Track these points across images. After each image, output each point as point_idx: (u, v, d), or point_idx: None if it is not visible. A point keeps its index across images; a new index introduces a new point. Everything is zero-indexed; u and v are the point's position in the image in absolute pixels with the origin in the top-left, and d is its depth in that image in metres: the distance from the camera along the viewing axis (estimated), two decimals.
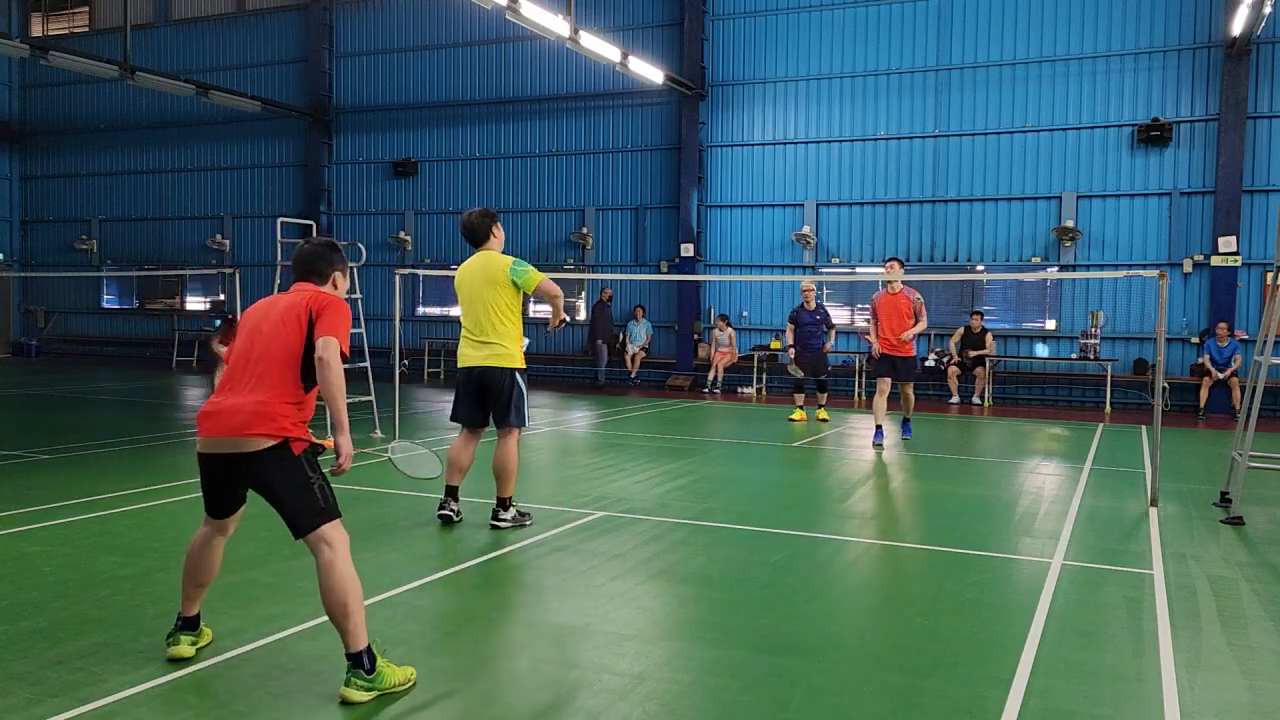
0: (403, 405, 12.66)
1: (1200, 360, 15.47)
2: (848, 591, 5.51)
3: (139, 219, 25.67)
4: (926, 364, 16.48)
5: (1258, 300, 15.68)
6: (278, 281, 11.70)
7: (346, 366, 3.94)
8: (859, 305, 18.45)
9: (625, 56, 16.16)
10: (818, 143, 18.49)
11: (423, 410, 14.46)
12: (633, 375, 19.52)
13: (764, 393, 18.13)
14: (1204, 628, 4.80)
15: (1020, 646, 4.43)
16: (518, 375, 6.58)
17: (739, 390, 18.32)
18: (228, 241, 24.27)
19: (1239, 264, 15.58)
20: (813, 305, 13.81)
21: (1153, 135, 16.01)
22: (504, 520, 6.61)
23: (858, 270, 18.12)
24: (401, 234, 22.13)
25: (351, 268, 9.40)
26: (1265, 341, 7.28)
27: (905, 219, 17.92)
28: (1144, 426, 13.45)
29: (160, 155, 25.40)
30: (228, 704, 3.66)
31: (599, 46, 15.44)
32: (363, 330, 11.68)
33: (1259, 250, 15.73)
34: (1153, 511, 7.59)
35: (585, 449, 10.96)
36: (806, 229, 18.35)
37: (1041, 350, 17.23)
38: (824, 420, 13.62)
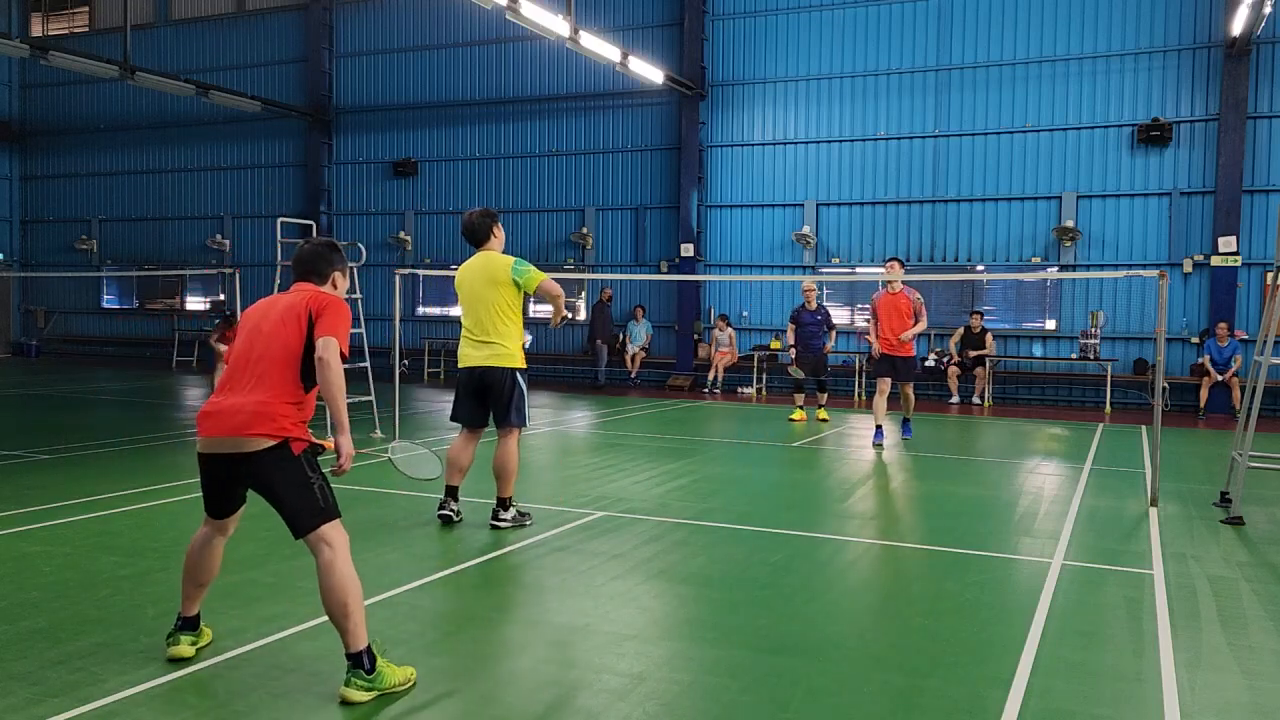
0: (403, 405, 12.66)
1: (1200, 360, 15.47)
2: (848, 591, 5.51)
3: (139, 219, 25.68)
4: (926, 364, 16.48)
5: (1258, 300, 15.68)
6: (278, 281, 11.70)
7: (346, 366, 3.94)
8: (859, 305, 18.45)
9: (625, 56, 16.17)
10: (818, 143, 18.49)
11: (423, 410, 14.46)
12: (633, 375, 19.52)
13: (764, 393, 18.13)
14: (1204, 628, 4.80)
15: (1020, 646, 4.43)
16: (518, 375, 6.58)
17: (739, 390, 18.33)
18: (228, 241, 24.27)
19: (1239, 264, 15.58)
20: (814, 305, 13.82)
21: (1153, 135, 16.01)
22: (504, 520, 6.61)
23: (858, 270, 18.12)
24: (401, 234, 22.13)
25: (351, 268, 9.41)
26: (1265, 341, 7.28)
27: (905, 219, 17.92)
28: (1144, 426, 13.46)
29: (160, 155, 25.41)
30: (228, 704, 3.66)
31: (599, 46, 15.44)
32: (363, 330, 11.68)
33: (1259, 250, 15.73)
34: (1153, 511, 7.59)
35: (585, 449, 10.96)
36: (806, 229, 18.35)
37: (1041, 350, 17.23)
38: (824, 420, 13.62)
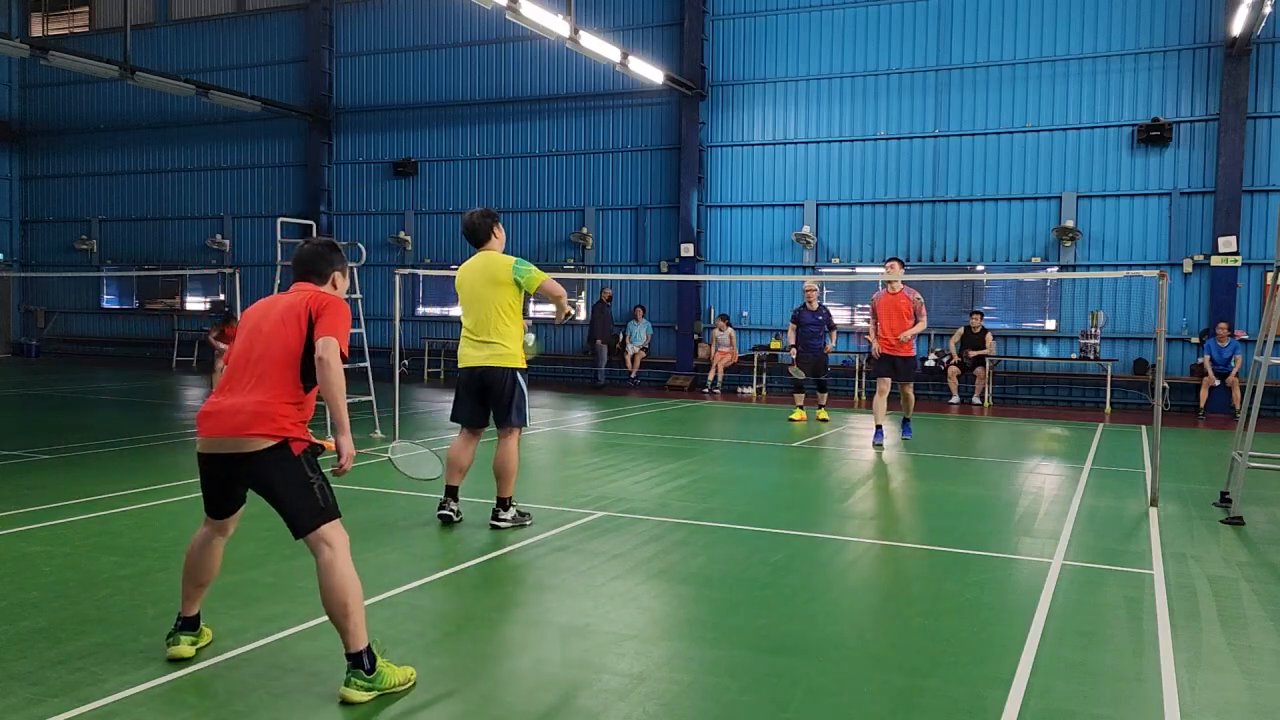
0: (403, 405, 12.66)
1: (1200, 360, 15.47)
2: (848, 591, 5.51)
3: (139, 219, 25.68)
4: (926, 364, 16.48)
5: (1258, 300, 15.68)
6: (278, 281, 11.70)
7: (346, 366, 3.94)
8: (859, 305, 18.44)
9: (625, 56, 16.17)
10: (818, 143, 18.49)
11: (423, 410, 14.46)
12: (633, 375, 19.52)
13: (764, 393, 18.13)
14: (1204, 628, 4.80)
15: (1020, 646, 4.43)
16: (519, 375, 6.59)
17: (739, 390, 18.32)
18: (228, 241, 24.27)
19: (1239, 264, 15.58)
20: (815, 305, 13.82)
21: (1153, 135, 16.01)
22: (504, 520, 6.61)
23: (858, 270, 18.12)
24: (401, 234, 22.13)
25: (351, 268, 9.41)
26: (1265, 341, 7.28)
27: (905, 219, 17.92)
28: (1144, 426, 13.46)
29: (160, 155, 25.41)
30: (228, 704, 3.66)
31: (599, 46, 15.44)
32: (363, 330, 11.68)
33: (1259, 250, 15.73)
34: (1153, 511, 7.59)
35: (585, 449, 10.96)
36: (806, 229, 18.35)
37: (1041, 350, 17.23)
38: (824, 420, 13.62)
